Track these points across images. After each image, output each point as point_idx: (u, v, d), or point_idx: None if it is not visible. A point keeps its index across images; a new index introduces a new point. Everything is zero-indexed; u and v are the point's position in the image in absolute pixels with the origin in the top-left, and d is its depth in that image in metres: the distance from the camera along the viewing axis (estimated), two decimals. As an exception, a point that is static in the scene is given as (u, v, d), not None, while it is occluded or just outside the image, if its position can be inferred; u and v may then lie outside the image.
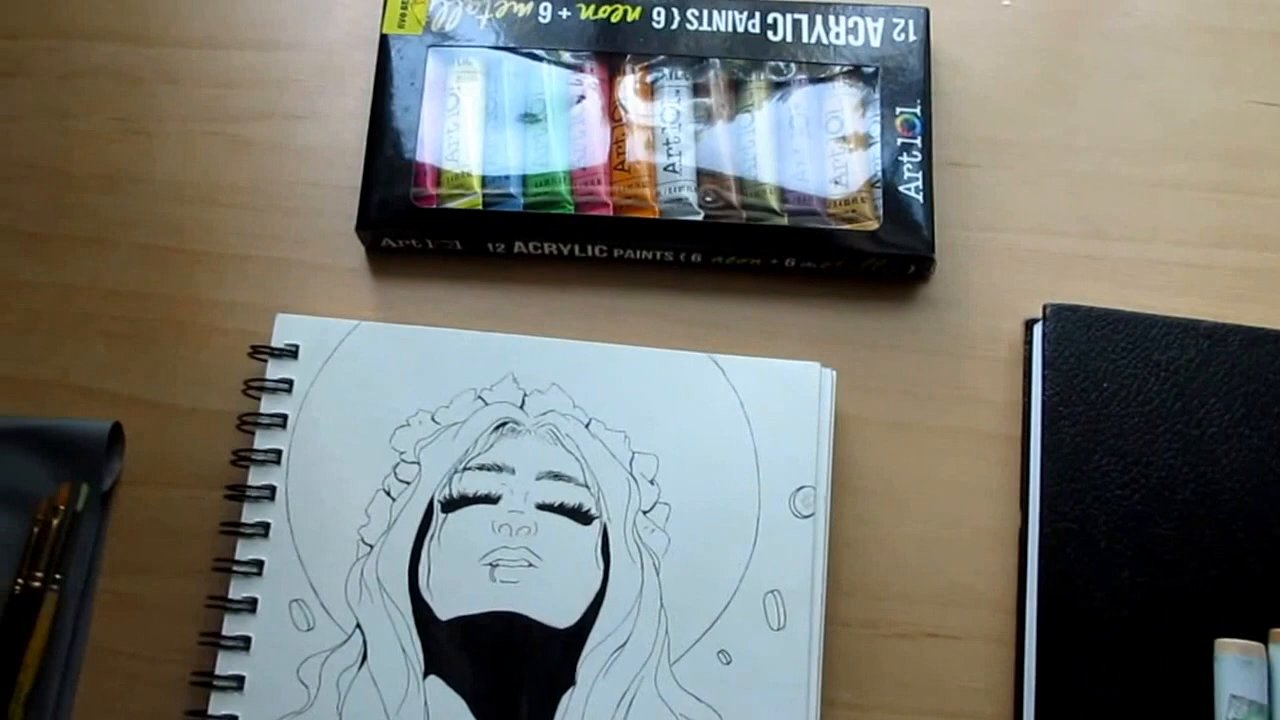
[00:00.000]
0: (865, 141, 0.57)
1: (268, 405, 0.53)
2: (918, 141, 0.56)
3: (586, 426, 0.53)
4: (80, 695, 0.52)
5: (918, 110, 0.57)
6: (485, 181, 0.57)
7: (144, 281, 0.59)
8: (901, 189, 0.56)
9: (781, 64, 0.58)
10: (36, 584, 0.53)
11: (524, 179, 0.57)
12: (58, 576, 0.53)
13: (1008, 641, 0.52)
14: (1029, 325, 0.56)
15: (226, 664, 0.50)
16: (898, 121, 0.57)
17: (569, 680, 0.50)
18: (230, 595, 0.51)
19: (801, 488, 0.52)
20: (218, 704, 0.49)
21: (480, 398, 0.53)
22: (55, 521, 0.53)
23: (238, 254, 0.59)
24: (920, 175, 0.56)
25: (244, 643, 0.50)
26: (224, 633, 0.50)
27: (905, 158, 0.56)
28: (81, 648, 0.53)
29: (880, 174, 0.56)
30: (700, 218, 0.56)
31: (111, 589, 0.54)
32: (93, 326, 0.58)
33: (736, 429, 0.52)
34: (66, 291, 0.58)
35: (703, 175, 0.57)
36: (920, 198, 0.56)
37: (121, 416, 0.55)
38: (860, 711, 0.51)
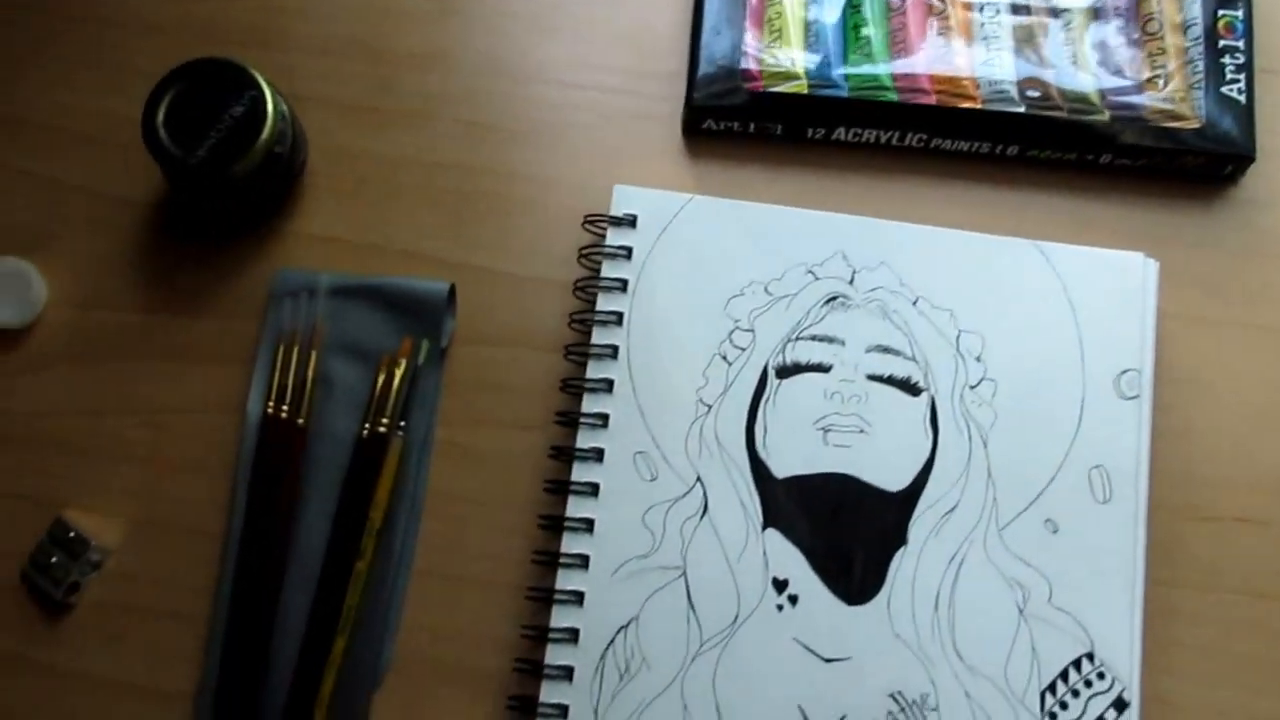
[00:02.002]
0: (1186, 43, 0.58)
1: (608, 270, 0.56)
2: (1239, 44, 0.57)
3: (914, 304, 0.55)
4: (424, 534, 0.56)
5: (1239, 13, 0.58)
6: (809, 72, 0.59)
7: (464, 154, 0.61)
8: (1223, 90, 0.57)
9: (1102, -37, 0.59)
10: (383, 429, 0.56)
11: (846, 74, 0.58)
12: (402, 423, 0.56)
13: (1315, 530, 0.54)
14: (1341, 229, 0.57)
15: (576, 508, 0.53)
16: (1220, 24, 0.58)
17: (901, 539, 0.52)
18: (579, 445, 0.54)
19: (1126, 371, 0.53)
20: (570, 543, 0.53)
21: (811, 272, 0.55)
22: (398, 373, 0.57)
23: (553, 131, 0.61)
24: (1242, 78, 0.57)
25: (592, 489, 0.53)
26: (574, 479, 0.53)
27: (1227, 60, 0.57)
28: (424, 490, 0.56)
29: (1201, 75, 0.57)
30: (1022, 110, 0.57)
31: (449, 439, 0.57)
32: (419, 195, 0.61)
33: (1060, 312, 0.54)
34: (392, 162, 0.61)
35: (1023, 76, 0.58)
36: (1242, 99, 0.57)
37: (450, 280, 0.58)
38: (1172, 588, 0.53)
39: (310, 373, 0.57)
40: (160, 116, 0.56)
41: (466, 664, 0.54)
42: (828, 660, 0.51)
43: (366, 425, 0.56)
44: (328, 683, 0.54)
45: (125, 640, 0.55)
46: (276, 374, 0.57)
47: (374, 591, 0.55)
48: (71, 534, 0.56)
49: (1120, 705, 0.50)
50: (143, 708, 0.54)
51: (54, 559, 0.56)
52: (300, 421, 0.57)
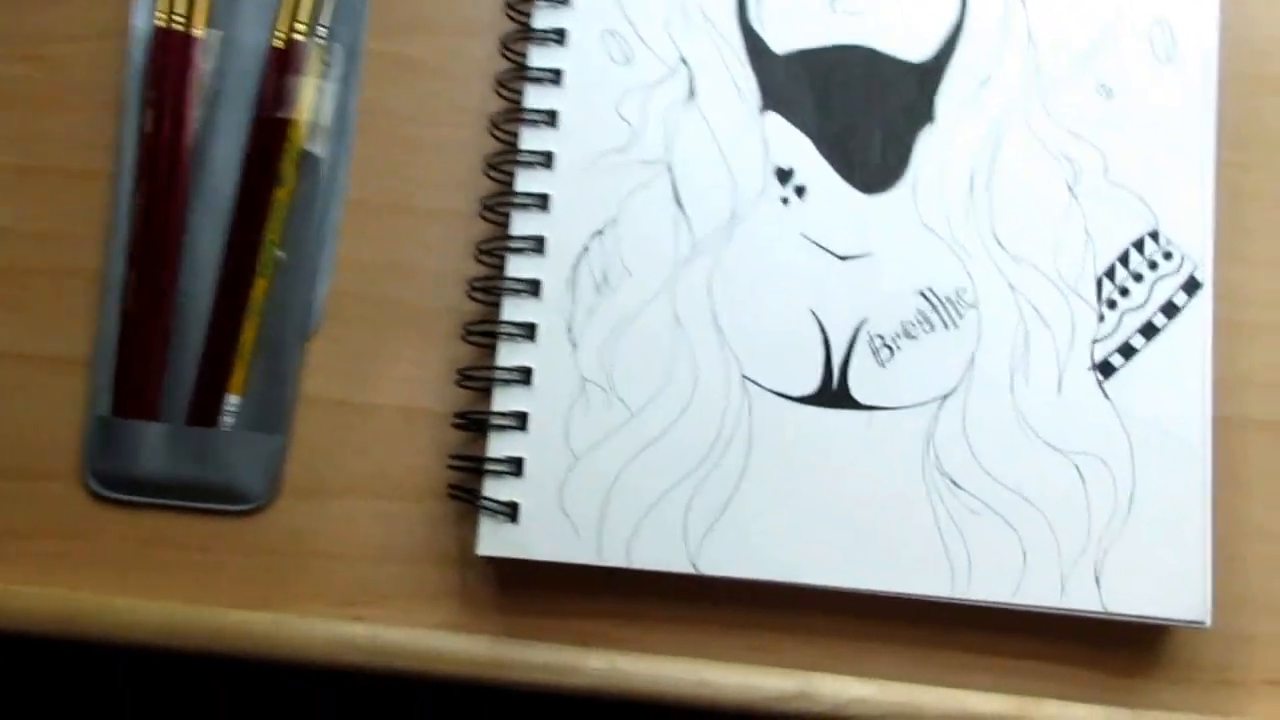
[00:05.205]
0: None
1: None
2: None
3: None
4: (358, 160, 0.47)
5: None
6: None
7: None
8: None
9: None
10: (300, 36, 0.47)
11: None
12: (324, 28, 0.47)
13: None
14: None
15: (538, 98, 0.44)
16: None
17: (926, 116, 0.44)
18: (535, 25, 0.45)
19: (1188, -91, 0.44)
20: (530, 139, 0.44)
21: None
22: (315, -29, 0.47)
23: None
24: None
25: (554, 76, 0.44)
26: (532, 64, 0.44)
27: None
28: (354, 109, 0.47)
29: None
30: None
31: (380, 51, 0.47)
32: None
33: None
34: None
35: None
36: None
37: None
38: (1244, 171, 0.45)
39: (206, -26, 0.47)
40: None
41: (414, 303, 0.46)
42: (843, 258, 0.43)
43: (279, 32, 0.47)
44: (248, 333, 0.45)
45: (11, 307, 0.46)
46: (166, -21, 0.47)
47: (299, 225, 0.46)
48: (-68, 184, 0.47)
49: (1191, 286, 0.42)
50: (33, 378, 0.46)
51: (-87, 214, 0.46)
52: (198, 33, 0.47)
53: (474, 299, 0.44)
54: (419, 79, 0.47)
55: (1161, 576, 0.40)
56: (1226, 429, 0.43)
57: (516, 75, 0.45)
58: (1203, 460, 0.41)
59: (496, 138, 0.45)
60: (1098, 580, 0.40)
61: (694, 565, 0.40)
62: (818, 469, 0.41)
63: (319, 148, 0.46)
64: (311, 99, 0.46)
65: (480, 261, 0.44)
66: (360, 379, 0.45)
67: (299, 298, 0.45)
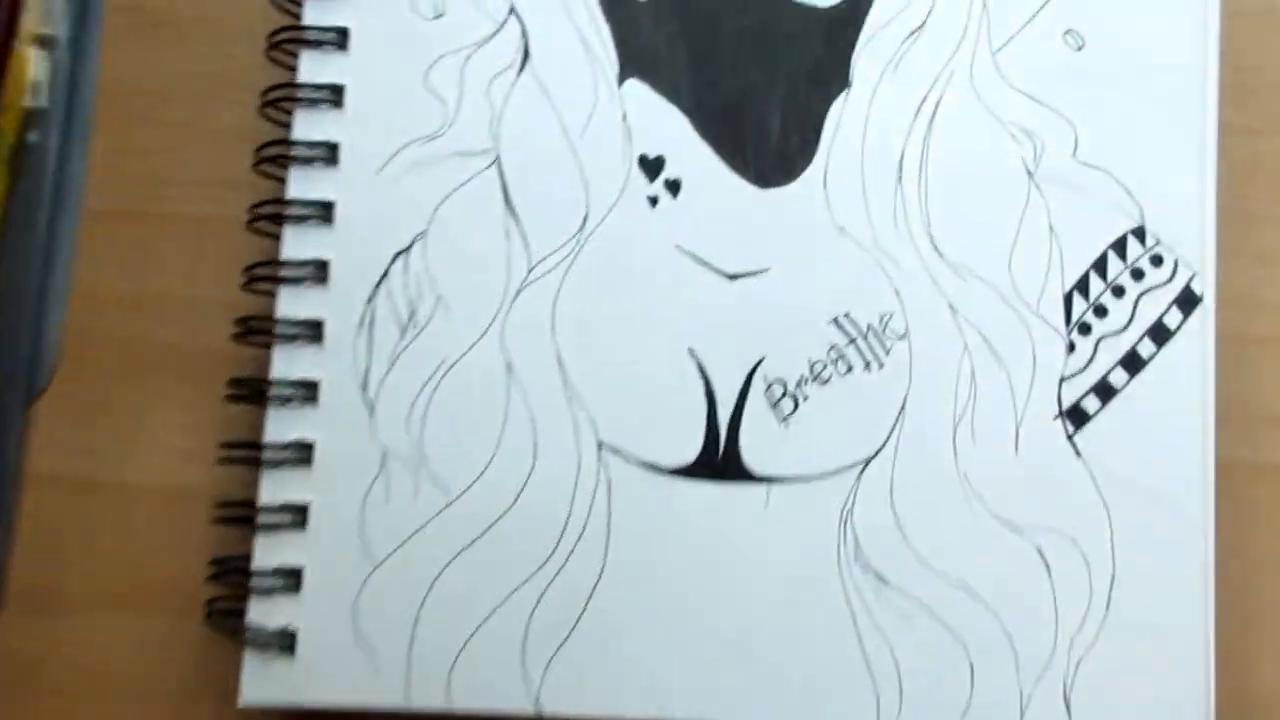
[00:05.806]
0: None
1: None
2: None
3: None
4: (99, 156, 0.35)
5: None
6: None
7: None
8: None
9: None
10: (7, -10, 0.35)
11: None
12: (38, -20, 0.35)
13: None
14: None
15: (314, 68, 0.33)
16: None
17: (841, 81, 0.33)
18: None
19: None
20: (306, 126, 0.32)
21: None
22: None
23: None
24: None
25: (339, 37, 0.33)
26: (309, 21, 0.33)
27: None
28: (91, 84, 0.36)
29: None
30: None
31: (126, 5, 0.36)
32: None
33: None
34: None
35: None
36: None
37: None
38: (1249, 138, 0.35)
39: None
40: None
41: (179, 345, 0.35)
42: (732, 276, 0.32)
43: (-23, -16, 0.35)
44: (-42, 390, 0.34)
45: None
46: None
47: (17, 243, 0.35)
48: None
49: (1188, 301, 0.32)
50: None
51: None
52: None
53: (246, 343, 0.33)
54: (178, 43, 0.36)
55: (1150, 693, 0.31)
56: (1232, 478, 0.33)
57: (293, 36, 0.33)
58: (1203, 532, 0.31)
59: (271, 119, 0.34)
60: (1068, 701, 0.30)
61: (537, 705, 0.30)
62: (699, 565, 0.31)
63: (41, 137, 0.35)
64: (29, 72, 0.35)
65: (252, 291, 0.33)
66: (107, 450, 0.34)
67: (19, 341, 0.34)
